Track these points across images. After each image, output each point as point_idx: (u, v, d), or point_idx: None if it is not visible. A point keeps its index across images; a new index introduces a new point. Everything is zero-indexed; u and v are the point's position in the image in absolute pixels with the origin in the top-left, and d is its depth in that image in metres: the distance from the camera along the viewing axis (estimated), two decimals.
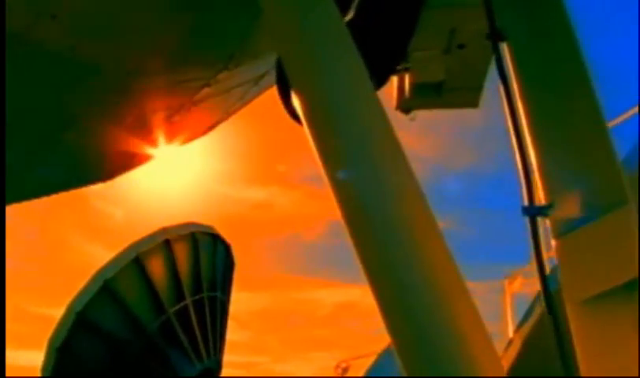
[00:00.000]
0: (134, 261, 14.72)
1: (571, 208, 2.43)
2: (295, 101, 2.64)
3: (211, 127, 5.70)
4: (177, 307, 15.24)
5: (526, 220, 2.43)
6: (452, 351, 2.09)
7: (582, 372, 2.35)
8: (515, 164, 2.42)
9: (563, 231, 2.43)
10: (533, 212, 2.42)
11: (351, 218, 2.38)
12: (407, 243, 2.22)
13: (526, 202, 2.41)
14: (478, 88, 4.44)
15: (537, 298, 6.79)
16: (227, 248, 17.11)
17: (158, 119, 4.76)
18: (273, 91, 5.64)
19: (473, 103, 4.54)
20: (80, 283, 14.95)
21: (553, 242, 2.48)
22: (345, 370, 18.64)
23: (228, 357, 16.95)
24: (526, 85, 2.60)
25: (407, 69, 4.12)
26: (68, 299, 14.80)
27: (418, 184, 2.32)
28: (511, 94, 2.52)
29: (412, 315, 2.19)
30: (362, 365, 19.21)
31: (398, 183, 2.32)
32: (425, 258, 2.20)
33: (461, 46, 4.01)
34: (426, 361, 2.17)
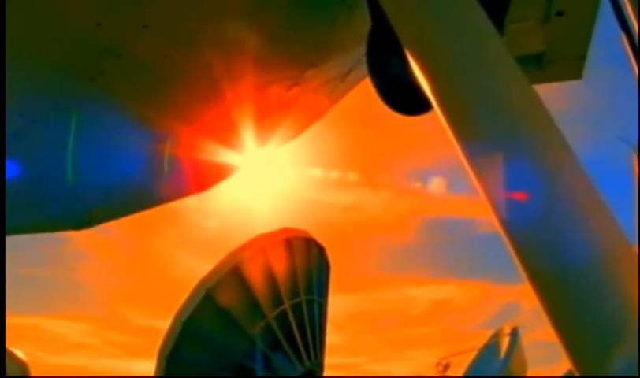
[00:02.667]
0: (233, 270, 15.13)
1: None
2: (424, 83, 2.35)
3: (302, 129, 5.67)
4: (277, 311, 15.53)
5: None
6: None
7: None
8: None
9: None
10: None
11: (506, 214, 2.03)
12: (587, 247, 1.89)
13: None
14: (582, 58, 4.14)
15: None
16: (321, 251, 17.22)
17: (248, 123, 4.77)
18: (357, 91, 5.57)
19: (577, 75, 4.24)
20: (183, 294, 15.56)
21: None
22: (446, 367, 18.26)
23: (326, 359, 17.04)
24: None
25: None
26: (171, 310, 15.46)
27: (579, 165, 2.02)
28: (636, 46, 2.26)
29: (589, 312, 1.87)
30: (463, 362, 18.73)
31: (559, 167, 2.01)
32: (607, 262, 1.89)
33: (560, 13, 3.74)
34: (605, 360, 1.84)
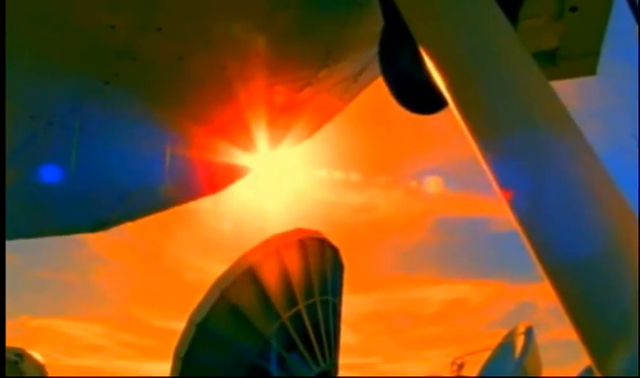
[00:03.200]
0: (247, 271, 15.14)
1: None
2: (439, 80, 2.34)
3: (314, 130, 5.67)
4: (291, 312, 15.53)
5: None
6: None
7: None
8: None
9: None
10: None
11: (523, 209, 2.02)
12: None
13: None
14: (596, 54, 4.10)
15: None
16: (335, 252, 17.19)
17: (261, 125, 4.79)
18: (369, 91, 5.57)
19: (591, 71, 4.20)
20: (197, 296, 15.61)
21: None
22: (461, 367, 18.16)
23: (341, 360, 17.02)
24: None
25: None
26: (186, 311, 15.52)
27: (598, 160, 2.00)
28: None
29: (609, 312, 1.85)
30: (477, 361, 18.63)
31: (577, 162, 1.98)
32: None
33: (574, 9, 3.71)
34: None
